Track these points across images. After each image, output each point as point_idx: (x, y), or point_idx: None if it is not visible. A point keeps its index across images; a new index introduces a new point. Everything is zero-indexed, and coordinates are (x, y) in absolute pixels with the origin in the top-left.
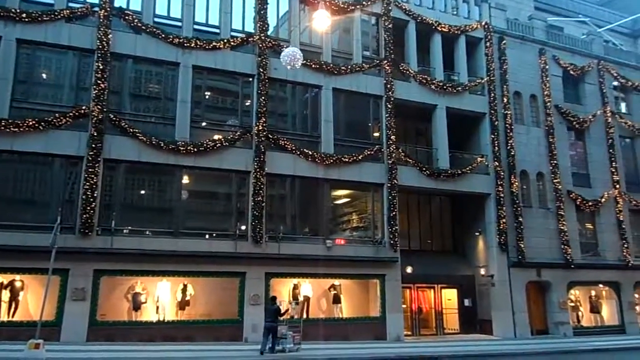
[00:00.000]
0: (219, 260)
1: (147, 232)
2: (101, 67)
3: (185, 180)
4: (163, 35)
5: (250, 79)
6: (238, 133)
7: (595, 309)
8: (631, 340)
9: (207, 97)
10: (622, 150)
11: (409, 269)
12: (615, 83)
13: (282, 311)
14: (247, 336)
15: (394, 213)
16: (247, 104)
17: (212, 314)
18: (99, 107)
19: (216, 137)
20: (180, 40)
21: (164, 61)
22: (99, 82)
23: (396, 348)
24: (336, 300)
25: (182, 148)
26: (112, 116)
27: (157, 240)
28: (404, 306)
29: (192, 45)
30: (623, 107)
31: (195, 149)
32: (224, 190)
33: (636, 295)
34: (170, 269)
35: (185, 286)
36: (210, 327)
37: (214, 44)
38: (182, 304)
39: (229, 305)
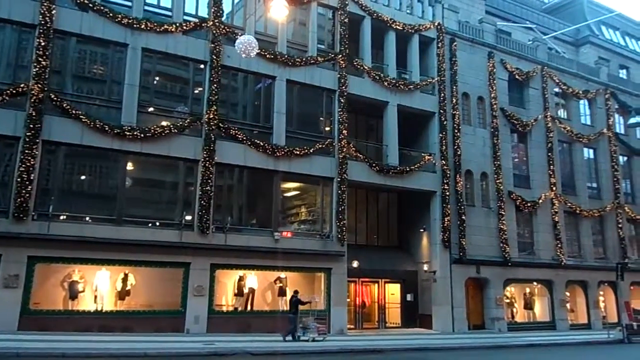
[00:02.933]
0: (163, 250)
1: (88, 219)
2: (43, 43)
3: (130, 166)
4: (111, 15)
5: (202, 66)
6: (187, 120)
7: (528, 306)
8: (560, 336)
9: (156, 81)
10: (560, 154)
11: (354, 264)
12: (557, 89)
13: (304, 301)
14: (189, 328)
15: (342, 207)
16: (197, 91)
17: (153, 304)
18: (39, 85)
19: (164, 123)
20: (130, 21)
21: (111, 42)
22: (40, 59)
23: (340, 341)
24: (281, 292)
25: (128, 133)
26: (53, 96)
27: (98, 227)
28: (348, 300)
29: (142, 27)
30: (563, 112)
31: (142, 135)
32: (171, 179)
33: (567, 294)
34: (110, 257)
35: (126, 275)
36: (151, 318)
37: (165, 27)
38: (122, 294)
39: (172, 296)
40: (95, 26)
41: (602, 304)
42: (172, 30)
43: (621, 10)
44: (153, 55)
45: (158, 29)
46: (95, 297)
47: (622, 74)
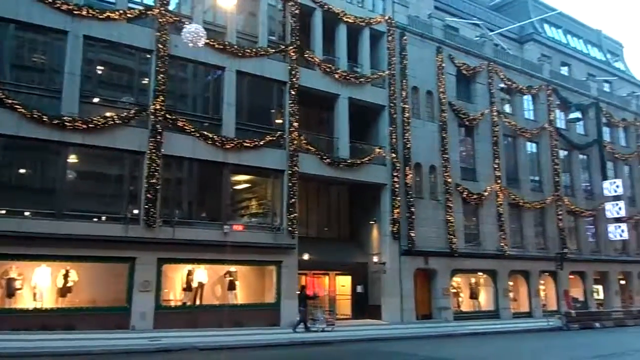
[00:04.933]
0: (108, 245)
1: (27, 213)
2: None
3: (72, 158)
4: (50, 0)
5: (149, 55)
6: (133, 111)
7: (474, 295)
8: (503, 325)
9: (99, 71)
10: (505, 148)
11: (305, 256)
12: (502, 85)
13: (311, 295)
14: (135, 324)
15: (293, 200)
16: (144, 81)
17: (97, 301)
18: None
19: (108, 114)
20: (69, 7)
21: (50, 28)
22: None
23: (289, 334)
24: (231, 286)
25: (68, 124)
26: None
27: (38, 222)
28: (299, 292)
29: (83, 13)
30: (508, 107)
31: (84, 126)
32: (116, 171)
33: (510, 283)
34: (51, 253)
35: (67, 271)
36: (94, 314)
37: (108, 14)
38: (64, 291)
39: (116, 292)
40: (33, 12)
41: (542, 293)
42: (116, 17)
43: (563, 9)
44: (95, 43)
45: (100, 16)
46: (35, 294)
47: (564, 70)
